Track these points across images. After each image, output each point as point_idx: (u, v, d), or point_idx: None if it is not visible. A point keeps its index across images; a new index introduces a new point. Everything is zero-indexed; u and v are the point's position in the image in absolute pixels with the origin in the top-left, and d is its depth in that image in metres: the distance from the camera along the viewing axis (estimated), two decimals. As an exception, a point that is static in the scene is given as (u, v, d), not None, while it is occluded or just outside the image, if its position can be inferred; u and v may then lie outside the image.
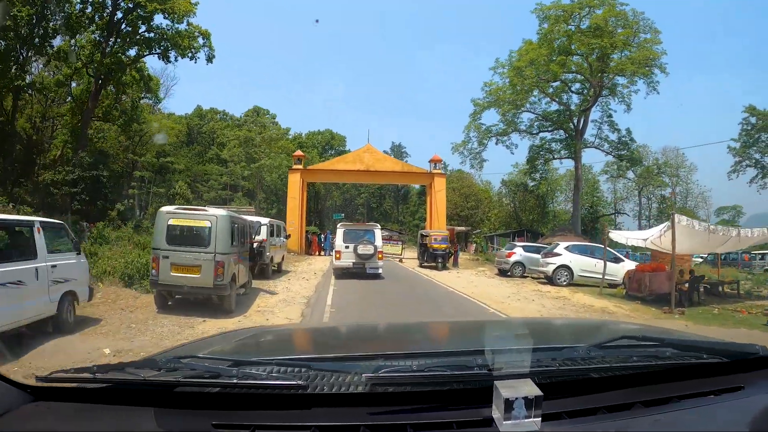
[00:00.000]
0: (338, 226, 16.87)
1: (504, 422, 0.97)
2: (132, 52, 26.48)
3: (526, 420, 0.97)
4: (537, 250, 18.46)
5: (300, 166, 31.36)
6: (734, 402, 1.20)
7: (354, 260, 15.21)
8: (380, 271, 15.57)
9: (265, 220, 15.27)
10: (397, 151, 67.76)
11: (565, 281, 15.65)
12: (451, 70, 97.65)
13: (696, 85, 74.65)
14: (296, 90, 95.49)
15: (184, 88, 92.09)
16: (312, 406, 1.07)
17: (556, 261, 16.05)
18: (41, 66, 29.10)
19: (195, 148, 40.51)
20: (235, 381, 1.08)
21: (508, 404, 0.97)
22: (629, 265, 15.41)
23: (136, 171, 28.12)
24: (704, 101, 75.00)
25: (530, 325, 2.26)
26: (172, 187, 32.96)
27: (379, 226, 16.99)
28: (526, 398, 0.98)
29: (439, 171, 31.06)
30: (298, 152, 33.79)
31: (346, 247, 15.38)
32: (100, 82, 25.04)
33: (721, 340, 1.64)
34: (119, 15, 25.00)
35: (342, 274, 15.54)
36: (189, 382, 1.09)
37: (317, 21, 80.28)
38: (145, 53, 26.58)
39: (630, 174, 41.57)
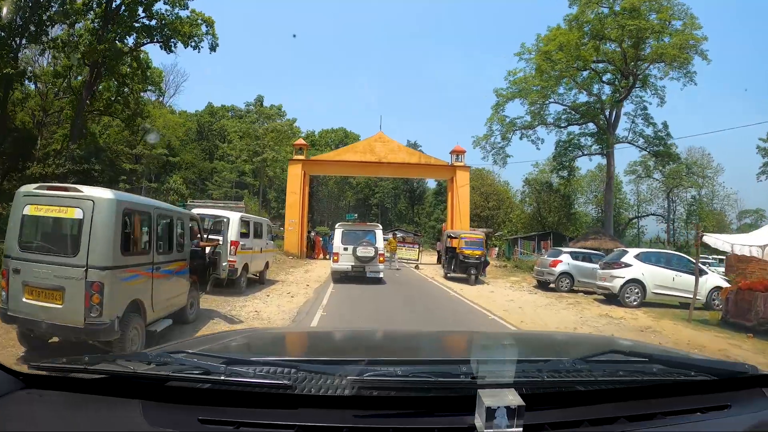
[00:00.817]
0: (336, 226, 15.62)
1: (485, 430, 0.98)
2: (131, 41, 25.14)
3: (507, 429, 0.98)
4: (587, 258, 15.58)
5: (302, 157, 27.10)
6: (720, 420, 1.19)
7: (353, 263, 14.14)
8: (381, 275, 14.64)
9: (236, 215, 11.25)
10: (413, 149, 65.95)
11: (635, 301, 12.24)
12: (466, 70, 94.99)
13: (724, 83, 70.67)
14: (310, 89, 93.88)
15: (198, 87, 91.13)
16: (298, 406, 1.07)
17: (625, 274, 12.38)
18: (38, 55, 27.87)
19: (203, 143, 38.96)
20: (223, 378, 1.08)
21: (490, 412, 0.98)
22: (715, 279, 12.41)
23: (125, 164, 26.55)
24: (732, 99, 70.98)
25: (518, 337, 2.50)
26: (166, 182, 30.90)
27: (381, 227, 15.65)
28: (508, 407, 0.98)
29: (462, 164, 26.71)
30: (300, 141, 29.67)
31: (345, 249, 14.28)
32: (95, 71, 23.59)
33: (710, 357, 1.86)
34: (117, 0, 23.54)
35: (341, 278, 14.33)
36: (178, 377, 1.11)
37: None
38: (144, 41, 25.14)
39: (657, 174, 38.94)
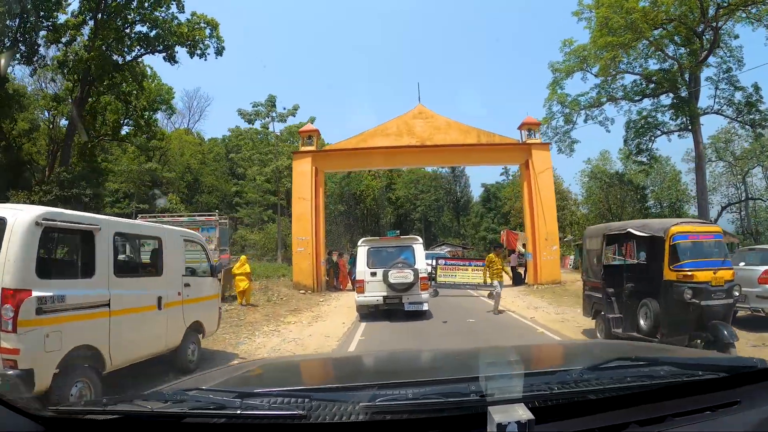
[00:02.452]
0: (359, 243, 11.65)
1: None
2: (130, 57, 22.82)
3: None
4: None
5: (311, 147, 18.98)
6: (730, 417, 1.19)
7: (385, 293, 10.49)
8: (425, 307, 10.73)
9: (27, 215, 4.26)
10: (454, 158, 61.60)
11: None
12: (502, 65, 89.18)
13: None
14: (333, 97, 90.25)
15: (223, 106, 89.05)
16: None
17: None
18: (29, 76, 26.22)
19: (225, 164, 36.31)
20: (239, 412, 1.10)
21: (501, 428, 0.98)
22: None
23: (109, 183, 23.97)
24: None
25: (523, 351, 2.37)
26: (159, 204, 27.69)
27: (420, 240, 11.78)
28: (518, 422, 0.99)
29: (538, 141, 18.88)
30: (308, 126, 20.86)
31: (373, 275, 10.66)
32: (86, 87, 21.20)
33: (720, 355, 1.93)
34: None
35: (369, 314, 10.78)
36: (195, 413, 1.12)
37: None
38: (143, 51, 22.71)
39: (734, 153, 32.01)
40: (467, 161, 21.90)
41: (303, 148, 19.20)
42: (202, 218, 15.03)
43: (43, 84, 27.74)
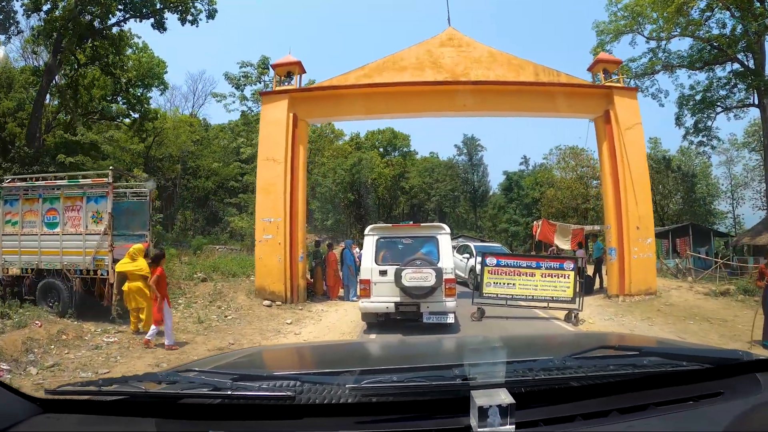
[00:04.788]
0: (367, 231, 8.91)
1: (479, 429, 1.00)
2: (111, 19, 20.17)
3: (501, 427, 0.99)
4: None
5: (290, 87, 13.00)
6: (712, 407, 1.19)
7: (398, 299, 8.11)
8: (450, 319, 8.14)
9: None
10: (471, 146, 57.92)
11: None
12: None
13: None
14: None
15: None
16: (303, 416, 1.11)
17: None
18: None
19: (231, 152, 33.54)
20: (230, 393, 1.12)
21: (483, 412, 1.00)
22: None
23: (102, 162, 21.70)
24: None
25: (509, 340, 2.49)
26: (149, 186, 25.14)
27: (447, 230, 8.81)
28: (500, 406, 1.00)
29: (619, 82, 13.24)
30: (286, 57, 13.30)
31: (382, 273, 8.26)
32: (57, 54, 18.60)
33: (708, 347, 1.86)
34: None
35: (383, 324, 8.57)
36: (188, 394, 1.14)
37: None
38: (122, 14, 20.04)
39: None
40: (519, 108, 13.53)
41: (276, 88, 13.00)
42: (88, 183, 9.49)
43: (31, 60, 25.51)
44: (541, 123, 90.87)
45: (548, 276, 9.54)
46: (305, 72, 13.42)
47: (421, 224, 10.11)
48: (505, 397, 1.01)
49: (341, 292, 13.05)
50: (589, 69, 13.53)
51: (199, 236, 27.93)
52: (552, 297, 9.47)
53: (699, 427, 1.12)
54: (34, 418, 1.14)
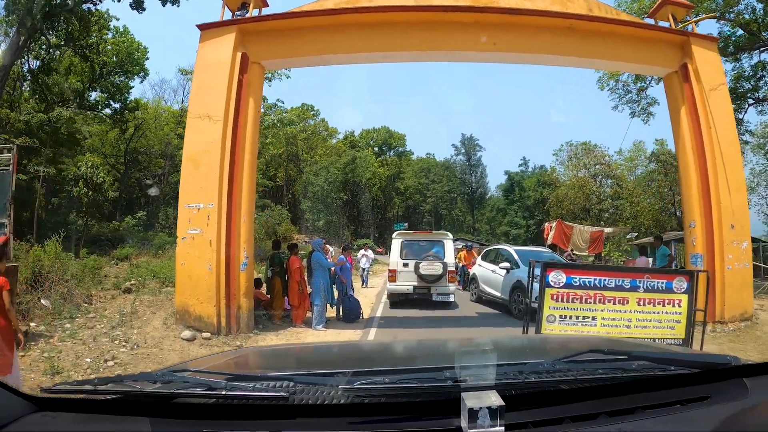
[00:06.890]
0: (394, 236, 12.62)
1: (469, 431, 1.01)
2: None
3: (490, 429, 1.01)
4: None
5: (237, 16, 8.99)
6: (699, 411, 1.21)
7: (415, 283, 11.56)
8: (452, 298, 11.69)
9: None
10: (469, 145, 56.46)
11: None
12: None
13: None
14: (348, 88, 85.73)
15: None
16: (296, 416, 1.13)
17: None
18: None
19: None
20: (224, 393, 1.14)
21: (473, 414, 1.02)
22: None
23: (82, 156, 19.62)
24: None
25: (499, 343, 2.40)
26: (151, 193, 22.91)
27: (451, 237, 12.92)
28: (490, 408, 1.02)
29: (694, 31, 9.65)
30: None
31: (405, 266, 11.75)
32: (25, 29, 16.62)
33: (697, 352, 1.83)
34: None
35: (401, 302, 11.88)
36: (183, 394, 1.15)
37: None
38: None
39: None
40: (568, 52, 9.50)
41: (220, 20, 8.96)
42: None
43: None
44: (542, 123, 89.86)
45: (648, 302, 5.95)
46: (267, 6, 9.40)
47: (432, 231, 14.97)
48: (495, 399, 1.04)
49: (310, 313, 9.09)
50: (651, 15, 10.30)
51: (163, 233, 23.77)
52: (654, 339, 5.76)
53: (686, 429, 1.14)
54: (29, 417, 1.15)
